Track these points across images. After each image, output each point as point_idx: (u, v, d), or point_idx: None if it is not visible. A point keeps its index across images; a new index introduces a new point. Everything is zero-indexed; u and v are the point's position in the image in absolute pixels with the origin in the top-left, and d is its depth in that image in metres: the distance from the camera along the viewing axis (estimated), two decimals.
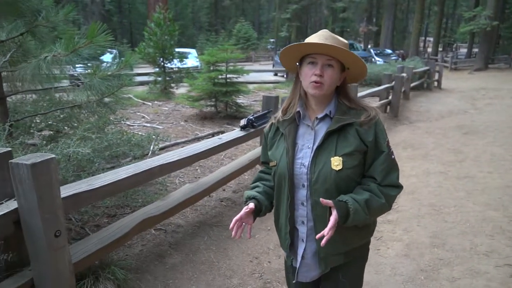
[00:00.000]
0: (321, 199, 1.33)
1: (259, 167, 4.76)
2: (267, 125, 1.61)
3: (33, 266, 1.85)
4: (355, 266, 1.56)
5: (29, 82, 3.36)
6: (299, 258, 1.49)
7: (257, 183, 1.62)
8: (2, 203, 1.77)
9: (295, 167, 1.42)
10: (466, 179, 4.72)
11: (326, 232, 1.29)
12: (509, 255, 3.01)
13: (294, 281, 1.55)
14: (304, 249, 1.47)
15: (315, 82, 1.35)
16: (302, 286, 1.62)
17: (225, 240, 3.18)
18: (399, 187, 1.42)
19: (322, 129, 1.42)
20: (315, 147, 1.39)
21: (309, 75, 1.38)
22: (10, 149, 1.81)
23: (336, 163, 1.35)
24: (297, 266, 1.50)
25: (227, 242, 3.15)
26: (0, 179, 1.77)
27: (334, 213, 1.30)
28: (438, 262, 2.98)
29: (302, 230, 1.48)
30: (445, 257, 3.03)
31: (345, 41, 1.42)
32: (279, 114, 1.55)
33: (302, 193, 1.43)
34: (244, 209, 1.43)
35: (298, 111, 1.46)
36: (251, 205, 1.45)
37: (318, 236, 1.32)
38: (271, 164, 1.51)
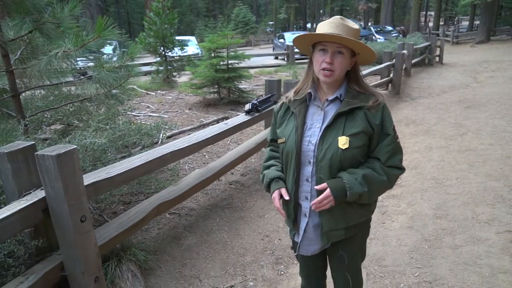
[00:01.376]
0: (315, 187, 1.45)
1: (265, 150, 4.89)
2: (278, 104, 1.69)
3: (62, 251, 1.99)
4: (355, 241, 1.64)
5: (38, 78, 3.47)
6: (301, 232, 1.59)
7: (272, 162, 1.69)
8: (30, 192, 1.90)
9: (303, 144, 1.50)
10: (468, 152, 4.82)
11: (316, 201, 1.42)
12: (509, 222, 3.14)
13: (295, 254, 1.65)
14: (307, 224, 1.57)
15: (325, 69, 1.43)
16: (307, 260, 1.73)
17: (237, 220, 3.33)
18: (402, 169, 1.51)
19: (332, 110, 1.49)
20: (323, 126, 1.47)
21: (320, 61, 1.45)
22: (33, 142, 1.93)
23: (343, 142, 1.43)
24: (299, 240, 1.60)
25: (238, 223, 3.30)
26: (26, 171, 1.90)
27: (327, 189, 1.41)
28: (441, 232, 3.11)
29: (305, 205, 1.55)
30: (447, 227, 3.16)
31: (356, 26, 1.46)
32: (291, 94, 1.62)
33: (307, 170, 1.51)
34: (284, 196, 1.53)
35: (310, 92, 1.54)
36: (284, 191, 1.54)
37: (318, 187, 1.44)
38: (280, 141, 1.59)
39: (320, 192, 1.45)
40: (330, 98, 1.50)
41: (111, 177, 2.22)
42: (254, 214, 3.43)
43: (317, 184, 1.48)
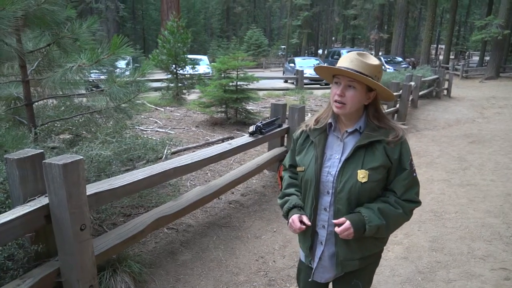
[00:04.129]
0: (333, 220, 1.50)
1: (266, 172, 4.96)
2: (298, 131, 1.71)
3: (60, 257, 2.05)
4: (368, 271, 1.68)
5: (52, 89, 3.61)
6: (316, 259, 1.62)
7: (293, 190, 1.71)
8: (35, 198, 1.98)
9: (322, 174, 1.53)
10: (469, 187, 4.84)
11: (339, 230, 1.45)
12: (504, 259, 3.14)
13: (310, 279, 1.65)
14: (322, 252, 1.60)
15: (337, 101, 1.48)
16: (313, 285, 1.72)
17: (233, 240, 3.36)
18: (417, 202, 1.53)
19: (351, 142, 1.52)
20: (343, 158, 1.50)
21: (333, 93, 1.50)
22: (42, 150, 2.03)
23: (362, 175, 1.45)
24: (314, 267, 1.63)
25: (234, 242, 3.34)
26: (33, 178, 1.99)
27: (347, 222, 1.45)
28: (436, 264, 3.12)
29: (322, 234, 1.58)
30: (442, 260, 3.17)
31: (374, 62, 1.47)
32: (311, 122, 1.64)
33: (326, 199, 1.55)
34: (306, 222, 1.55)
35: (330, 123, 1.58)
36: (306, 218, 1.57)
37: (336, 221, 1.47)
38: (299, 169, 1.62)
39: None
40: (350, 130, 1.53)
41: (113, 189, 2.29)
42: (251, 234, 3.47)
43: (335, 215, 1.51)
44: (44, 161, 1.89)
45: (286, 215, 1.65)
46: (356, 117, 1.54)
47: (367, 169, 1.46)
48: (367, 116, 1.53)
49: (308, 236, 1.61)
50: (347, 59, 1.48)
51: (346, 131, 1.54)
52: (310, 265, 1.67)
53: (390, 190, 1.52)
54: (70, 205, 1.89)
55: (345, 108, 1.48)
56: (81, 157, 1.93)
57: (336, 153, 1.54)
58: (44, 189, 1.97)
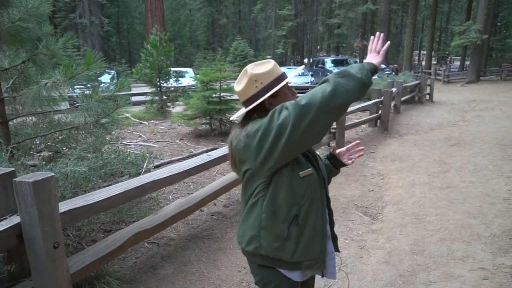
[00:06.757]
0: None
1: None
2: None
3: (33, 276, 2.02)
4: None
5: (30, 106, 3.58)
6: (330, 256, 1.61)
7: None
8: (6, 217, 1.96)
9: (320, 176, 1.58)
10: (449, 189, 4.91)
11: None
12: (483, 259, 3.19)
13: (322, 276, 1.63)
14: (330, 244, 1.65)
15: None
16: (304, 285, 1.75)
17: (215, 251, 3.35)
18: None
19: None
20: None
21: (290, 96, 1.60)
22: (13, 169, 2.01)
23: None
24: (328, 264, 1.60)
25: (217, 254, 3.33)
26: (4, 196, 1.97)
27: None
28: (417, 267, 3.15)
29: (328, 229, 1.64)
30: (423, 263, 3.20)
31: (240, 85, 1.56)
32: None
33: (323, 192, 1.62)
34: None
35: None
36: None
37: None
38: (307, 172, 1.49)
39: (329, 208, 1.65)
40: None
41: (89, 205, 2.28)
42: (233, 245, 3.46)
43: (328, 202, 1.64)
44: (14, 179, 1.88)
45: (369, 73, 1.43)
46: None
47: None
48: None
49: (325, 238, 1.57)
50: (277, 65, 1.57)
51: None
52: (322, 272, 1.60)
53: None
54: (42, 223, 1.88)
55: None
56: (52, 174, 1.92)
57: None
58: (16, 208, 1.95)
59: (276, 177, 1.45)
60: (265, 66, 1.53)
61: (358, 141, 1.89)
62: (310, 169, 1.49)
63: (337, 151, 1.86)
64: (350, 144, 1.87)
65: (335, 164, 1.85)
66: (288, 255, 1.50)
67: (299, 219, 1.48)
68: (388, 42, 1.55)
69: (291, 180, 1.45)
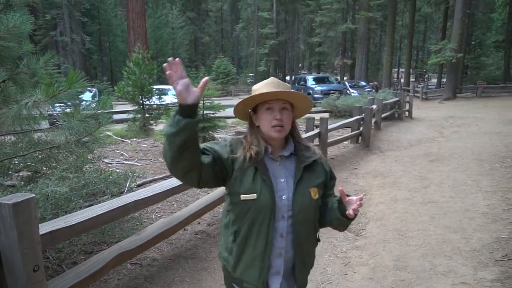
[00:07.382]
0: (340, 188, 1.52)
1: None
2: (239, 153, 1.54)
3: None
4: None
5: (9, 125, 3.52)
6: None
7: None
8: None
9: (276, 200, 1.50)
10: (430, 204, 5.01)
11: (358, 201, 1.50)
12: (464, 273, 3.25)
13: None
14: (281, 283, 1.56)
15: (277, 125, 1.51)
16: None
17: (199, 271, 3.31)
18: None
19: (291, 165, 1.57)
20: (296, 180, 1.53)
21: (269, 120, 1.52)
22: None
23: (314, 193, 1.55)
24: None
25: (201, 273, 3.28)
26: None
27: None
28: (400, 283, 3.18)
29: (279, 263, 1.54)
30: (406, 279, 3.23)
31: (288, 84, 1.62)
32: (252, 149, 1.53)
33: (282, 225, 1.52)
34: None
35: (266, 147, 1.55)
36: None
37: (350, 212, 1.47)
38: (249, 197, 1.48)
39: (300, 244, 1.57)
40: (286, 154, 1.58)
41: (70, 226, 2.23)
42: (217, 264, 3.42)
43: (295, 238, 1.55)
44: None
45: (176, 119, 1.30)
46: (285, 141, 1.62)
47: (315, 186, 1.57)
48: (293, 138, 1.64)
49: (263, 268, 1.52)
50: (274, 85, 1.55)
51: (282, 155, 1.58)
52: None
53: (330, 196, 1.67)
54: (21, 245, 1.83)
55: (284, 131, 1.55)
56: (33, 195, 1.88)
57: (282, 177, 1.55)
58: None
59: (229, 190, 1.59)
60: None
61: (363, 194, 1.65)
62: (254, 194, 1.48)
63: (347, 198, 1.54)
64: (358, 197, 1.54)
65: (341, 209, 1.58)
66: (231, 268, 1.60)
67: (237, 238, 1.55)
68: (207, 78, 1.32)
69: (233, 198, 1.55)
